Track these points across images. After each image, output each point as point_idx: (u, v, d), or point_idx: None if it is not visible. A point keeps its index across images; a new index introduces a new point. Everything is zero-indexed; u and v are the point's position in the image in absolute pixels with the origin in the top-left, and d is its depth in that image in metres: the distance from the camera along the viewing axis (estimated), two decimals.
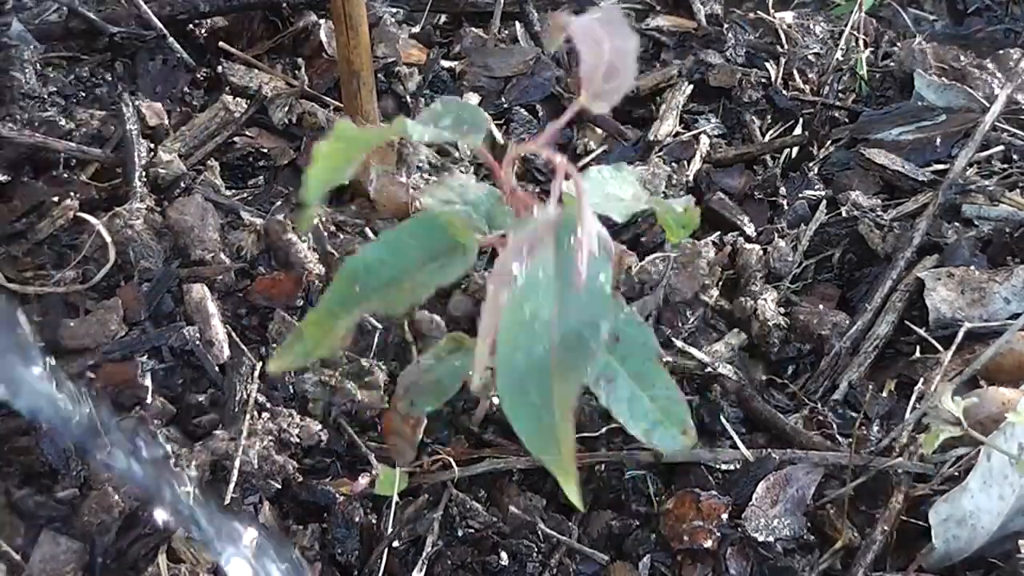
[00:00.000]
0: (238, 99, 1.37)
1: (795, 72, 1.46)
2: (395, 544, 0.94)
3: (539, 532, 0.94)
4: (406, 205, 1.22)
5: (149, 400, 1.04)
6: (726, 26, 1.53)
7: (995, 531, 0.91)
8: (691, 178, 1.31)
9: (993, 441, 0.89)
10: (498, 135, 1.36)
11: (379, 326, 1.11)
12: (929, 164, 1.31)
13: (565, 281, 0.66)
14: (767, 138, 1.38)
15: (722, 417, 1.03)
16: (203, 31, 1.48)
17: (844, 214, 1.23)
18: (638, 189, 0.92)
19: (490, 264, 1.18)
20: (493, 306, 0.62)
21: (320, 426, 1.01)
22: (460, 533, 0.95)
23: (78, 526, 0.96)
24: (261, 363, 1.07)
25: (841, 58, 1.47)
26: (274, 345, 1.09)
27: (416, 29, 1.52)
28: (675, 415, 0.85)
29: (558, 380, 0.68)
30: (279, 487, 0.97)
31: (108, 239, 1.16)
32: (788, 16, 1.58)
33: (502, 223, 0.86)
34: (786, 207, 1.28)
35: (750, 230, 1.25)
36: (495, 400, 1.04)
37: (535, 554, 0.93)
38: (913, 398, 1.04)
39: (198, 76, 1.42)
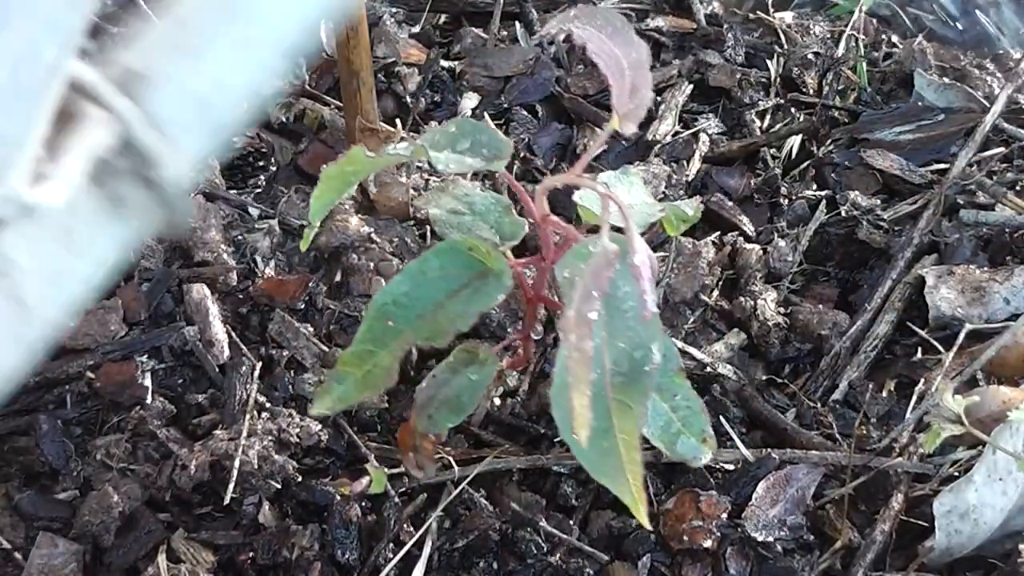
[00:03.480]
0: None
1: (795, 72, 1.46)
2: (395, 544, 0.94)
3: (540, 532, 0.94)
4: (406, 205, 1.22)
5: (149, 400, 1.04)
6: (726, 26, 1.53)
7: (997, 528, 0.92)
8: (691, 178, 1.31)
9: (997, 438, 0.89)
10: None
11: None
12: (929, 164, 1.31)
13: (612, 307, 0.65)
14: (766, 137, 1.38)
15: (722, 417, 1.03)
16: None
17: (844, 214, 1.23)
18: (646, 193, 0.92)
19: None
20: (580, 357, 0.59)
21: (320, 426, 1.01)
22: (460, 533, 0.95)
23: (78, 526, 0.96)
24: (261, 363, 1.07)
25: (841, 58, 1.47)
26: (274, 345, 1.09)
27: (416, 29, 1.52)
28: (695, 425, 0.85)
29: (616, 406, 0.67)
30: (279, 487, 0.97)
31: None
32: (788, 16, 1.58)
33: (512, 234, 0.85)
34: (786, 207, 1.28)
35: (750, 230, 1.25)
36: (496, 400, 1.05)
37: (536, 554, 0.93)
38: (913, 398, 1.04)
39: None
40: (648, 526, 0.69)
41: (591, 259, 0.63)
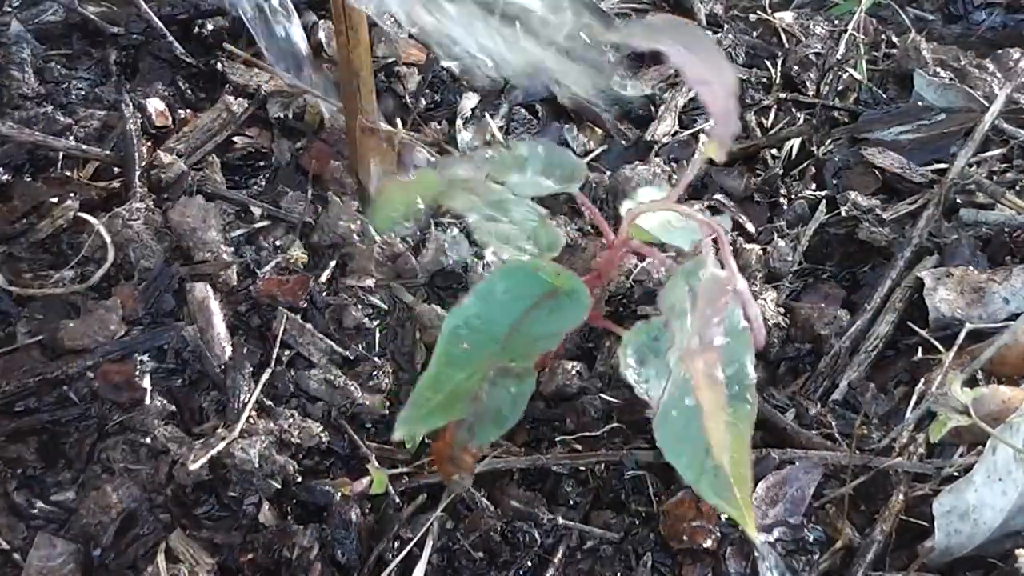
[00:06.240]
0: (239, 98, 1.37)
1: (795, 72, 1.46)
2: (395, 544, 0.94)
3: (540, 531, 0.94)
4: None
5: (149, 400, 1.04)
6: (726, 26, 1.53)
7: (996, 528, 0.92)
8: (691, 178, 1.31)
9: (1000, 436, 0.90)
10: (498, 135, 1.36)
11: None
12: (929, 164, 1.31)
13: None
14: (766, 137, 1.38)
15: None
16: (203, 30, 1.48)
17: (844, 214, 1.23)
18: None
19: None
20: (712, 383, 0.58)
21: (321, 427, 1.01)
22: (461, 532, 0.95)
23: (76, 526, 0.96)
24: (262, 363, 1.07)
25: (841, 58, 1.47)
26: (276, 344, 1.09)
27: (415, 29, 1.52)
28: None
29: (717, 423, 0.66)
30: (279, 487, 0.97)
31: (108, 239, 1.16)
32: (788, 16, 1.58)
33: (550, 245, 0.84)
34: (786, 207, 1.28)
35: (750, 230, 1.25)
36: None
37: (536, 553, 0.93)
38: (913, 398, 1.04)
39: (198, 75, 1.42)
40: (757, 541, 0.68)
41: (703, 286, 0.62)
